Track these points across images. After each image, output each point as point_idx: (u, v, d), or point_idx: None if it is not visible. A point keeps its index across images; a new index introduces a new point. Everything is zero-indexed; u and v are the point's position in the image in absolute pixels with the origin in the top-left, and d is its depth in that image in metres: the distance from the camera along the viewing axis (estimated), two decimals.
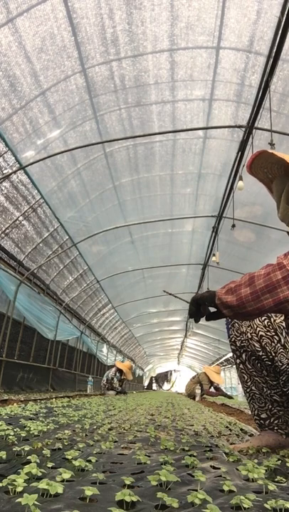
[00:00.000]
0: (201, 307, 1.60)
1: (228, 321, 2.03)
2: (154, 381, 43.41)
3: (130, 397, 8.73)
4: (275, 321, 1.90)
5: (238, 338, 1.99)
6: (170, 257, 12.53)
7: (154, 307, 18.52)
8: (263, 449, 1.76)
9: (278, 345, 1.88)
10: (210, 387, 11.16)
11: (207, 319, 1.65)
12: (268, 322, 1.91)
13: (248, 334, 1.94)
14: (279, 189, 1.71)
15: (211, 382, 11.23)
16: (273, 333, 1.90)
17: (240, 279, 1.50)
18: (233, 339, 2.02)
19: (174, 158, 7.66)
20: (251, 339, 1.93)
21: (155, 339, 27.81)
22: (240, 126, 5.99)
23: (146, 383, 39.88)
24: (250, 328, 1.94)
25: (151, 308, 18.67)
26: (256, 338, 1.92)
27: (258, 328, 1.92)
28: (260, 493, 1.05)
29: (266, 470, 1.33)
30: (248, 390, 1.99)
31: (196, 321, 1.65)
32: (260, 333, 1.91)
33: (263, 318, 1.92)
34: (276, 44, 4.39)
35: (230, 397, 11.46)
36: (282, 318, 1.91)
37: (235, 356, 2.04)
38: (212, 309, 1.62)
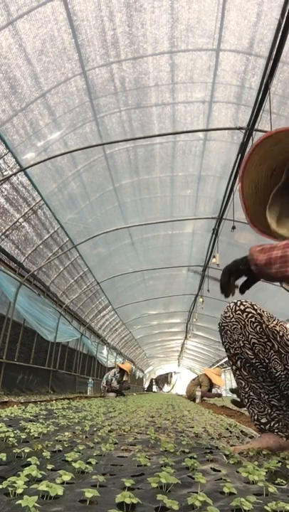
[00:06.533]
0: (232, 278, 1.64)
1: (221, 328, 2.00)
2: (154, 383, 43.33)
3: (130, 399, 8.72)
4: (267, 326, 1.86)
5: (232, 346, 1.96)
6: (170, 258, 12.54)
7: (154, 309, 18.52)
8: (264, 451, 1.75)
9: (271, 351, 1.84)
10: (209, 390, 11.16)
11: (241, 290, 1.67)
12: (259, 328, 1.87)
13: (240, 342, 1.90)
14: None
15: (211, 385, 11.22)
16: (266, 340, 1.86)
17: (277, 243, 1.53)
18: (226, 346, 2.00)
19: (174, 160, 7.67)
20: (244, 347, 1.90)
21: (155, 341, 27.79)
22: (240, 128, 6.00)
23: (146, 385, 39.82)
24: (242, 336, 1.90)
25: (151, 310, 18.67)
26: (249, 346, 1.88)
27: (250, 336, 1.88)
28: (260, 495, 1.04)
29: (266, 472, 1.32)
30: (246, 396, 1.97)
31: (227, 294, 1.67)
32: (253, 340, 1.87)
33: (255, 325, 1.87)
34: (276, 46, 4.41)
35: (219, 396, 11.67)
36: (275, 322, 1.88)
37: (231, 362, 2.01)
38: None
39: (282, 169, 1.80)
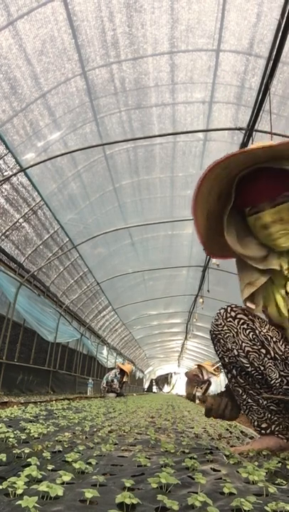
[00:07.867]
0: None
1: (213, 336, 1.96)
2: (154, 383, 43.32)
3: (130, 400, 8.72)
4: (260, 332, 1.81)
5: (226, 354, 1.92)
6: (170, 258, 12.53)
7: (154, 309, 18.51)
8: (264, 451, 1.75)
9: (265, 358, 1.79)
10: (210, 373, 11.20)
11: None
12: (253, 335, 1.82)
13: (234, 351, 1.85)
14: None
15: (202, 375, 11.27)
16: (260, 347, 1.80)
17: None
18: (220, 355, 1.95)
19: (174, 161, 7.67)
20: (238, 356, 1.85)
21: (155, 341, 27.77)
22: (240, 129, 5.99)
23: (146, 386, 39.80)
24: (235, 345, 1.85)
25: (151, 311, 18.65)
26: (243, 354, 1.83)
27: (244, 344, 1.82)
28: (260, 495, 1.04)
29: (266, 472, 1.32)
30: (244, 403, 1.94)
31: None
32: (247, 348, 1.82)
33: (248, 332, 1.82)
34: (276, 46, 4.40)
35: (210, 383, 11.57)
36: (268, 328, 1.83)
37: (226, 370, 1.98)
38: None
39: (228, 191, 1.78)
